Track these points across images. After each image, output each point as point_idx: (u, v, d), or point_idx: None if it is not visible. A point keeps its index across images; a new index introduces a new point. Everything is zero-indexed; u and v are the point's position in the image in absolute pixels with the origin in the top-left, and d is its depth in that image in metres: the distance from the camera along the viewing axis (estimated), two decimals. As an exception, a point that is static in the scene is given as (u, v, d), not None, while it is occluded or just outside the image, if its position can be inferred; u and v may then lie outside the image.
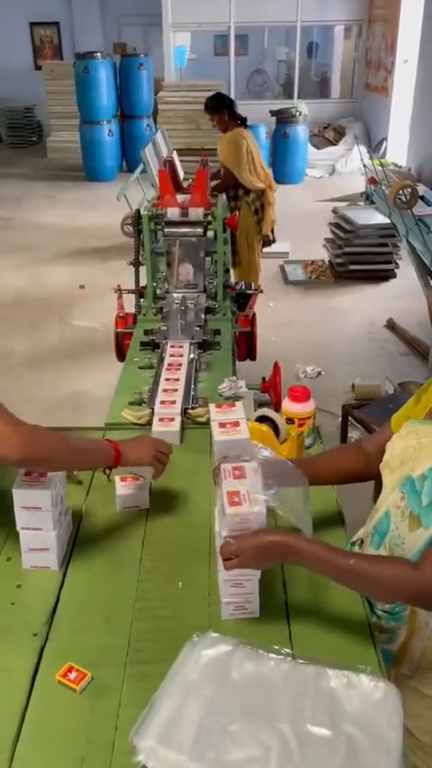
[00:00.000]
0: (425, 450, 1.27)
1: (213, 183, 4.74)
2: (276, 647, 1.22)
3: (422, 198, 4.44)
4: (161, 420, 1.93)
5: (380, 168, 4.75)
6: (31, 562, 1.42)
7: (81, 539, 1.54)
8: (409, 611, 1.33)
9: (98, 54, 9.54)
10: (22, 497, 1.35)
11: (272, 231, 4.88)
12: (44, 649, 1.26)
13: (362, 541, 1.47)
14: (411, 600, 1.25)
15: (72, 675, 1.19)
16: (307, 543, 1.23)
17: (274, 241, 5.02)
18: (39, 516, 1.36)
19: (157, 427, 1.90)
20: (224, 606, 1.31)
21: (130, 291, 3.04)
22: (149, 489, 1.61)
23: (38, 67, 12.11)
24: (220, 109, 4.55)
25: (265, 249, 5.03)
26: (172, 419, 1.93)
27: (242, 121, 4.64)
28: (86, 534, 1.56)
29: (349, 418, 3.39)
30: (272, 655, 1.20)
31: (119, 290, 3.03)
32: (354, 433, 3.57)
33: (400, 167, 8.75)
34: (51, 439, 1.37)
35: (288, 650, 1.22)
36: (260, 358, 3.14)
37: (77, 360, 4.65)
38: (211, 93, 4.85)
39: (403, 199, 3.80)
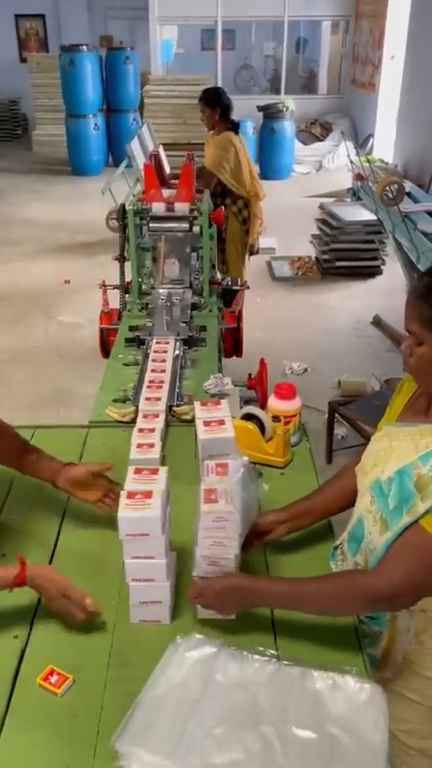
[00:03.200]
0: (395, 453, 1.26)
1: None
2: (261, 649, 1.21)
3: (409, 194, 4.44)
4: (140, 447, 1.71)
5: (366, 164, 4.75)
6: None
7: (63, 539, 1.52)
8: (390, 616, 1.32)
9: (84, 47, 9.45)
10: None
11: (256, 242, 4.72)
12: (25, 652, 1.24)
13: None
14: (371, 605, 1.26)
15: (53, 679, 1.17)
16: (260, 582, 1.26)
17: (257, 252, 4.91)
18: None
19: (134, 454, 1.69)
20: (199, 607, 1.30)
21: (115, 287, 3.00)
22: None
23: (23, 60, 11.98)
24: (214, 105, 4.36)
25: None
26: (152, 445, 1.72)
27: (233, 126, 4.43)
28: (68, 536, 1.54)
29: (336, 415, 3.38)
30: (256, 656, 1.19)
31: (103, 286, 3.00)
32: (340, 430, 3.57)
33: (387, 164, 8.77)
34: None
35: (273, 652, 1.21)
36: (246, 355, 3.12)
37: (62, 356, 4.60)
38: (199, 88, 4.74)
39: (390, 195, 3.80)
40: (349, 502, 1.42)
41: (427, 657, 1.32)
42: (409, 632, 1.31)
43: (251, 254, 4.78)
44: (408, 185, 4.68)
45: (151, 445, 1.69)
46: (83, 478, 1.51)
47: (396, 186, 3.81)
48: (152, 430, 1.76)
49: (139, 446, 1.68)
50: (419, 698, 1.36)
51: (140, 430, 1.76)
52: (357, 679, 1.14)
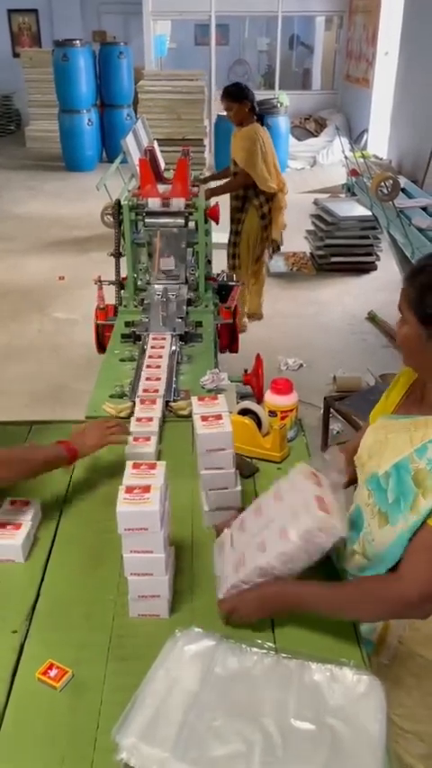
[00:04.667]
0: (390, 446, 1.27)
1: (222, 181, 4.54)
2: (260, 642, 1.21)
3: (403, 190, 4.45)
4: (136, 440, 1.73)
5: (361, 160, 4.75)
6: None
7: (61, 535, 1.52)
8: None
9: (77, 42, 9.40)
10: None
11: (280, 236, 4.62)
12: (24, 647, 1.24)
13: None
14: (403, 614, 1.26)
15: (52, 673, 1.17)
16: (296, 594, 1.25)
17: (279, 248, 4.79)
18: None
19: (129, 449, 1.71)
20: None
21: (110, 283, 3.00)
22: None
23: (16, 55, 11.91)
24: (242, 99, 4.24)
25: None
26: (148, 438, 1.75)
27: (260, 118, 4.39)
28: (67, 530, 1.54)
29: (331, 410, 3.39)
30: (255, 649, 1.20)
31: (99, 282, 2.99)
32: (335, 425, 3.57)
33: (381, 159, 8.77)
34: (8, 455, 1.50)
35: (271, 644, 1.22)
36: (242, 350, 3.12)
37: (57, 352, 4.59)
38: (193, 83, 4.70)
39: (385, 191, 3.81)
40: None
41: (422, 642, 1.33)
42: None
43: (274, 250, 4.71)
44: (402, 181, 4.70)
45: (147, 438, 1.72)
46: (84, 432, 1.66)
47: (391, 182, 3.82)
48: (150, 419, 1.78)
49: (136, 438, 1.71)
50: (415, 682, 1.37)
51: (138, 419, 1.78)
52: (355, 671, 1.15)
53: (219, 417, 1.51)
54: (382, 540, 1.26)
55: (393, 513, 1.23)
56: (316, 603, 1.24)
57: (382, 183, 3.83)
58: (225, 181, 4.53)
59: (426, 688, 1.37)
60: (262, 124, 4.38)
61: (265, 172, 4.27)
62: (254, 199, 4.38)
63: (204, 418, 1.50)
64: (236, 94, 4.29)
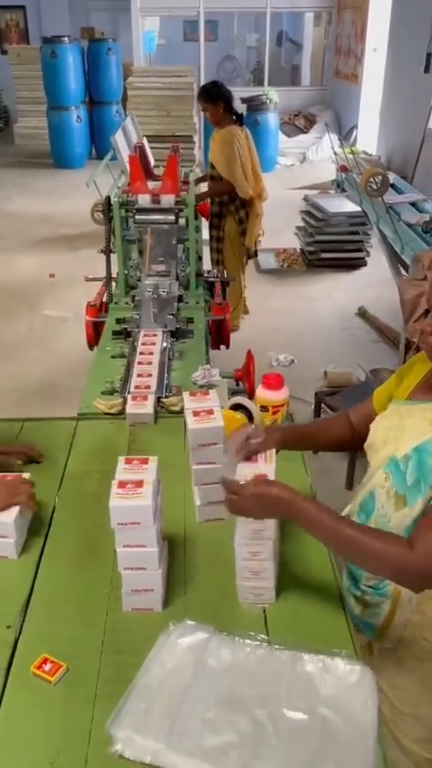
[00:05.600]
0: (407, 431, 1.28)
1: (202, 185, 4.43)
2: (252, 634, 1.22)
3: (392, 185, 4.47)
4: (134, 399, 1.95)
5: (350, 156, 4.77)
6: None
7: (54, 529, 1.53)
8: (393, 587, 1.35)
9: (65, 38, 9.37)
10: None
11: (255, 244, 4.55)
12: (18, 641, 1.24)
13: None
14: (398, 578, 1.24)
15: (47, 667, 1.17)
16: (307, 503, 1.21)
17: (255, 255, 4.71)
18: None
19: (130, 409, 1.92)
20: (240, 589, 1.31)
21: (101, 279, 3.00)
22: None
23: (3, 52, 11.86)
24: (216, 100, 4.11)
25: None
26: (145, 398, 1.95)
27: (238, 118, 4.24)
28: (60, 525, 1.55)
29: (322, 405, 3.41)
30: (248, 641, 1.21)
31: (105, 278, 2.98)
32: (326, 421, 3.59)
33: (371, 155, 8.80)
34: None
35: (264, 636, 1.23)
36: (233, 346, 3.13)
37: (48, 350, 4.59)
38: (182, 80, 4.68)
39: (374, 186, 3.82)
40: (324, 447, 1.52)
41: (427, 626, 1.34)
42: (412, 602, 1.34)
43: (248, 256, 4.61)
44: (391, 177, 4.72)
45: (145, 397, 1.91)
46: None
47: (380, 177, 3.84)
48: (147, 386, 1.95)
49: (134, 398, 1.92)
50: (418, 665, 1.38)
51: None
52: (347, 661, 1.16)
53: (210, 412, 1.51)
54: (400, 522, 1.27)
55: (412, 494, 1.25)
56: (314, 527, 1.21)
57: (372, 179, 3.84)
58: (205, 185, 4.43)
59: (428, 671, 1.38)
60: (241, 125, 4.24)
61: (242, 178, 4.17)
62: (230, 204, 4.29)
63: (196, 413, 1.51)
64: (208, 95, 4.16)
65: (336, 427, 1.54)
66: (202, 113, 4.56)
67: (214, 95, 4.16)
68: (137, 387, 2.01)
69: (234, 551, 1.28)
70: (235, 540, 1.26)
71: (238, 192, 4.22)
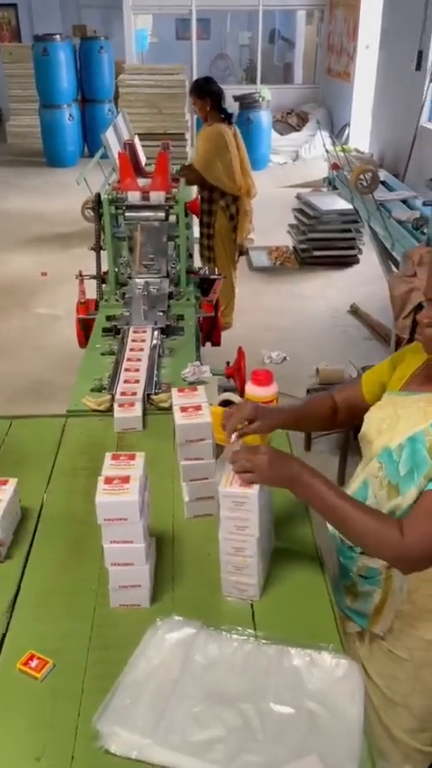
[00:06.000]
0: (401, 421, 1.29)
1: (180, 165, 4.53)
2: (239, 629, 1.22)
3: (383, 183, 4.48)
4: (121, 406, 1.91)
5: (342, 154, 4.77)
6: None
7: (43, 526, 1.53)
8: (384, 576, 1.35)
9: (57, 36, 9.34)
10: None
11: (245, 241, 4.59)
12: (5, 638, 1.24)
13: None
14: (392, 562, 1.27)
15: (33, 663, 1.17)
16: (311, 477, 1.23)
17: (246, 252, 4.78)
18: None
19: (117, 414, 1.89)
20: (224, 583, 1.31)
21: (91, 277, 2.99)
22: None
23: (-5, 50, 11.81)
24: (203, 95, 4.18)
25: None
26: (132, 404, 1.92)
27: (227, 117, 4.26)
28: (48, 521, 1.54)
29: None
30: (235, 636, 1.21)
31: (80, 276, 2.98)
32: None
33: (363, 153, 8.81)
34: None
35: (251, 631, 1.23)
36: (225, 344, 3.13)
37: (40, 348, 4.58)
38: (174, 77, 4.68)
39: (364, 183, 3.82)
40: (319, 421, 1.56)
41: (418, 616, 1.35)
42: (403, 591, 1.34)
43: (240, 254, 4.64)
44: (383, 174, 4.72)
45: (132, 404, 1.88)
46: None
47: (370, 174, 3.84)
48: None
49: (121, 405, 1.90)
50: (408, 655, 1.39)
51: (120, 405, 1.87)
52: (334, 655, 1.16)
53: (198, 408, 1.52)
54: (392, 512, 1.29)
55: (405, 484, 1.26)
56: (317, 503, 1.24)
57: (362, 176, 3.84)
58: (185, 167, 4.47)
59: (418, 661, 1.39)
60: (230, 123, 4.27)
61: (221, 174, 4.19)
62: (220, 200, 4.32)
63: (183, 409, 1.51)
64: (197, 90, 4.23)
65: (319, 406, 1.56)
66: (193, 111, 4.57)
67: (203, 91, 4.21)
68: (124, 389, 1.99)
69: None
70: (219, 534, 1.27)
71: (220, 186, 4.25)
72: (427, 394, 1.29)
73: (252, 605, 1.31)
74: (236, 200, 4.37)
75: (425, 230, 3.60)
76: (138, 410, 1.90)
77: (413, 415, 1.28)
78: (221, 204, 4.35)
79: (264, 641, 1.20)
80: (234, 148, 4.27)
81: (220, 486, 1.25)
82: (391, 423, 1.32)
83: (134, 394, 1.98)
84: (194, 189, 4.31)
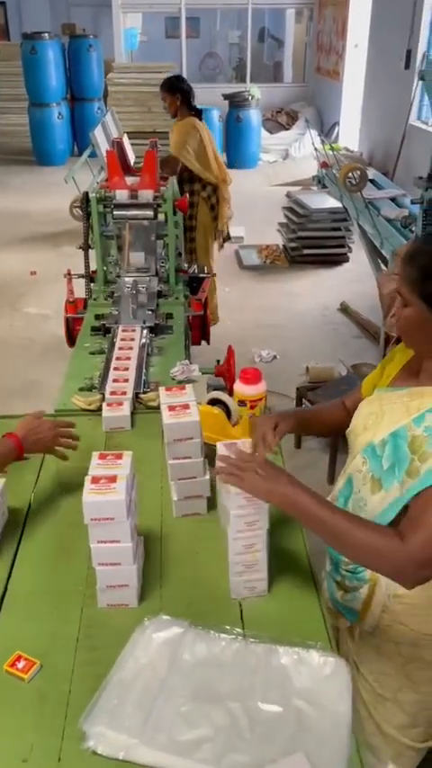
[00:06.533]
0: (386, 417, 1.30)
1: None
2: (228, 627, 1.22)
3: (372, 181, 4.49)
4: (110, 405, 1.90)
5: (331, 152, 4.78)
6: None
7: (30, 526, 1.52)
8: (370, 571, 1.35)
9: (46, 34, 9.30)
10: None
11: (226, 226, 4.67)
12: (-8, 639, 1.23)
13: None
14: (395, 574, 1.22)
15: (20, 665, 1.17)
16: (301, 493, 1.19)
17: (229, 238, 4.86)
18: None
19: (106, 413, 1.88)
20: (234, 584, 1.31)
21: (80, 276, 2.98)
22: None
23: (-17, 48, 11.73)
24: (174, 92, 4.35)
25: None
26: (120, 404, 1.91)
27: (197, 113, 4.42)
28: (36, 521, 1.53)
29: (303, 400, 3.42)
30: (223, 635, 1.21)
31: (68, 275, 2.97)
32: (308, 416, 3.60)
33: (352, 152, 8.82)
34: None
35: (239, 630, 1.22)
36: (216, 342, 3.12)
37: (29, 347, 4.56)
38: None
39: (353, 181, 3.83)
40: (326, 432, 1.66)
41: (404, 611, 1.35)
42: (388, 587, 1.35)
43: (224, 240, 4.74)
44: (371, 172, 4.74)
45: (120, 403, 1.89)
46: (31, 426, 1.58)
47: (358, 172, 3.85)
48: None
49: (109, 404, 1.88)
50: (396, 651, 1.40)
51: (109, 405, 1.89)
52: (322, 653, 1.16)
53: (186, 407, 1.51)
54: (375, 506, 1.29)
55: (387, 478, 1.26)
56: (313, 523, 1.21)
57: (350, 174, 3.85)
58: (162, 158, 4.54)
59: (406, 656, 1.40)
60: (200, 118, 4.42)
61: (193, 158, 4.31)
62: (201, 191, 4.42)
63: (171, 408, 1.50)
64: (167, 87, 4.37)
65: (333, 412, 1.59)
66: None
67: (173, 87, 4.35)
68: (113, 390, 1.98)
69: (212, 547, 1.28)
70: (229, 535, 1.25)
71: (193, 170, 4.34)
72: (410, 388, 1.30)
73: (240, 604, 1.30)
74: (215, 190, 4.47)
75: (413, 228, 3.61)
76: (126, 409, 1.89)
77: (397, 410, 1.29)
78: (203, 195, 4.44)
79: (252, 640, 1.20)
80: (206, 139, 4.38)
81: (225, 487, 1.24)
82: (377, 418, 1.33)
83: (124, 393, 1.97)
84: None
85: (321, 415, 1.63)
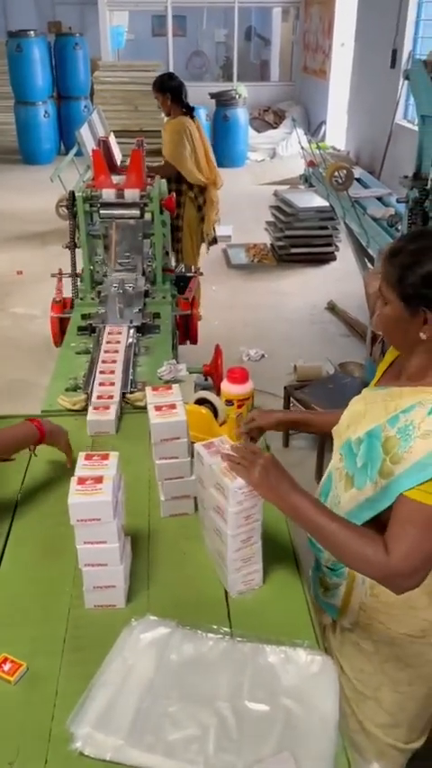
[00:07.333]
0: (367, 416, 1.31)
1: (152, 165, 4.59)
2: (215, 627, 1.22)
3: (358, 180, 4.50)
4: (96, 409, 1.89)
5: (318, 151, 4.78)
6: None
7: (16, 527, 1.51)
8: (348, 568, 1.36)
9: (31, 32, 9.24)
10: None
11: (213, 229, 4.66)
12: (-23, 642, 1.22)
13: None
14: (381, 582, 1.24)
15: (6, 667, 1.16)
16: (299, 497, 1.22)
17: (215, 242, 4.84)
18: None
19: (91, 416, 1.87)
20: (232, 581, 1.31)
21: (67, 275, 2.97)
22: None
23: (-32, 46, 11.63)
24: (164, 90, 4.33)
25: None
26: (107, 407, 1.90)
27: (188, 110, 4.39)
28: (22, 522, 1.53)
29: (291, 399, 3.42)
30: (210, 635, 1.21)
31: (59, 275, 2.95)
32: (296, 414, 3.60)
33: (339, 151, 8.85)
34: None
35: (226, 629, 1.23)
36: (203, 342, 3.12)
37: (17, 348, 4.53)
38: (150, 74, 4.70)
39: (339, 180, 3.84)
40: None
41: (381, 609, 1.36)
42: (365, 584, 1.35)
43: (210, 243, 4.73)
44: (358, 171, 4.75)
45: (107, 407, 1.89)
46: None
47: (344, 171, 3.86)
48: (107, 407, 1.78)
49: (96, 408, 1.86)
50: (374, 649, 1.40)
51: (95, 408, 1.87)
52: (309, 651, 1.17)
53: (173, 407, 1.51)
54: (348, 503, 1.30)
55: (360, 476, 1.27)
56: (310, 527, 1.24)
57: (336, 173, 3.86)
58: (155, 165, 4.53)
59: (384, 655, 1.40)
60: (192, 116, 4.41)
61: (190, 164, 4.30)
62: (188, 192, 4.41)
63: (158, 408, 1.50)
64: (158, 86, 4.37)
65: (333, 415, 1.54)
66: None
67: (164, 86, 4.34)
68: (100, 392, 1.97)
69: (199, 546, 1.28)
70: (228, 532, 1.25)
71: (187, 177, 4.33)
72: (391, 389, 1.30)
73: (228, 603, 1.31)
74: (203, 190, 4.45)
75: (399, 227, 3.62)
76: (112, 413, 1.87)
77: (376, 410, 1.29)
78: (190, 195, 4.43)
79: (239, 639, 1.20)
80: (198, 140, 4.37)
81: (221, 484, 1.25)
82: (359, 417, 1.34)
83: (111, 397, 1.96)
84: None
85: (322, 417, 1.65)
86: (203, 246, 4.69)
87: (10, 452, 1.63)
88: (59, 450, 1.68)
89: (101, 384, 2.03)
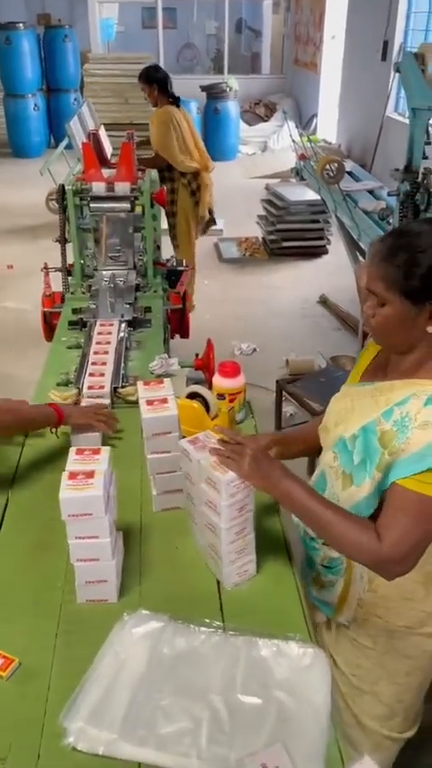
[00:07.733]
0: (356, 412, 1.30)
1: (142, 157, 4.59)
2: (207, 621, 1.22)
3: (350, 173, 4.50)
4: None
5: (309, 144, 4.77)
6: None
7: (8, 523, 1.51)
8: (345, 565, 1.37)
9: (21, 24, 9.16)
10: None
11: (210, 212, 4.71)
12: (-31, 638, 1.22)
13: None
14: (373, 569, 1.26)
15: (-2, 662, 1.16)
16: (292, 483, 1.23)
17: (214, 222, 4.89)
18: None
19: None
20: (227, 574, 1.32)
21: (57, 269, 2.95)
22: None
23: None
24: (150, 82, 4.38)
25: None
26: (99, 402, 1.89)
27: (174, 100, 4.44)
28: (13, 518, 1.52)
29: (283, 393, 3.42)
30: (203, 628, 1.21)
31: (46, 269, 2.94)
32: (288, 408, 3.61)
33: (331, 144, 8.83)
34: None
35: (219, 623, 1.23)
36: (196, 336, 3.11)
37: (7, 342, 4.51)
38: (140, 66, 4.69)
39: (330, 174, 3.84)
40: (309, 451, 1.56)
41: (379, 604, 1.37)
42: (363, 580, 1.36)
43: (207, 225, 4.77)
44: (349, 165, 4.75)
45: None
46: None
47: (336, 165, 3.85)
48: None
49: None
50: (372, 643, 1.41)
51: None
52: (301, 644, 1.17)
53: (164, 401, 1.50)
54: (347, 501, 1.29)
55: (359, 473, 1.26)
56: (303, 514, 1.25)
57: (327, 166, 3.86)
58: (145, 157, 4.53)
59: (382, 648, 1.41)
60: (178, 106, 4.44)
61: (177, 152, 4.33)
62: (181, 178, 4.44)
63: (149, 402, 1.50)
64: (144, 77, 4.41)
65: (313, 431, 1.50)
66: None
67: (150, 77, 4.38)
68: (91, 384, 1.96)
69: (191, 540, 1.28)
70: (222, 525, 1.25)
71: (176, 166, 4.36)
72: (378, 383, 1.30)
73: (220, 597, 1.31)
74: (196, 176, 4.48)
75: (390, 220, 3.62)
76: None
77: (366, 405, 1.29)
78: (183, 182, 4.45)
79: (231, 632, 1.20)
80: (185, 127, 4.40)
81: (212, 478, 1.24)
82: (347, 413, 1.33)
83: (101, 389, 1.95)
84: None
85: (299, 440, 1.58)
86: (197, 231, 4.70)
87: (26, 429, 1.75)
88: (93, 427, 1.70)
89: (91, 375, 2.02)
